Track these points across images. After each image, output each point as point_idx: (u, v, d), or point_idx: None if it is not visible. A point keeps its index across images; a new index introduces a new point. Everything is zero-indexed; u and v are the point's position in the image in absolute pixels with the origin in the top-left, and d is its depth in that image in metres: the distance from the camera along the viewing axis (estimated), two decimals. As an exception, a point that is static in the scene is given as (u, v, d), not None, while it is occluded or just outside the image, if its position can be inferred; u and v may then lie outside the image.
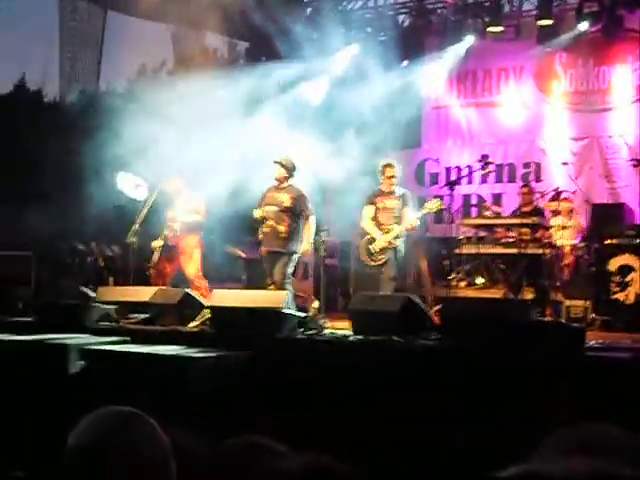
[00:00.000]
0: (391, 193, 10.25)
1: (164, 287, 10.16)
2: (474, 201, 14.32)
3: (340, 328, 8.64)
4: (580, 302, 10.48)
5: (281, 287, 9.68)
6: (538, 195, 11.80)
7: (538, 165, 14.22)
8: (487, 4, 14.32)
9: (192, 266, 10.80)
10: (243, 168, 11.25)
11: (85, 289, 10.24)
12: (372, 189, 10.49)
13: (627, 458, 1.53)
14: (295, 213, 9.97)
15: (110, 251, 13.84)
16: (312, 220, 9.98)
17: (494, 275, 11.94)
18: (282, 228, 9.90)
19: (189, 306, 9.07)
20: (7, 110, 18.42)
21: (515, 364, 6.43)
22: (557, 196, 11.62)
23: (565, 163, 12.30)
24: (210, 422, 5.57)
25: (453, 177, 14.15)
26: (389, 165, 10.32)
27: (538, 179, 13.86)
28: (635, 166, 12.56)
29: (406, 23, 15.58)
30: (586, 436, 1.66)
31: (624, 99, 13.55)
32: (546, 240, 10.97)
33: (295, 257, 10.00)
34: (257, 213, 10.12)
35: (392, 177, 10.25)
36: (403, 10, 15.61)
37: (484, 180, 14.38)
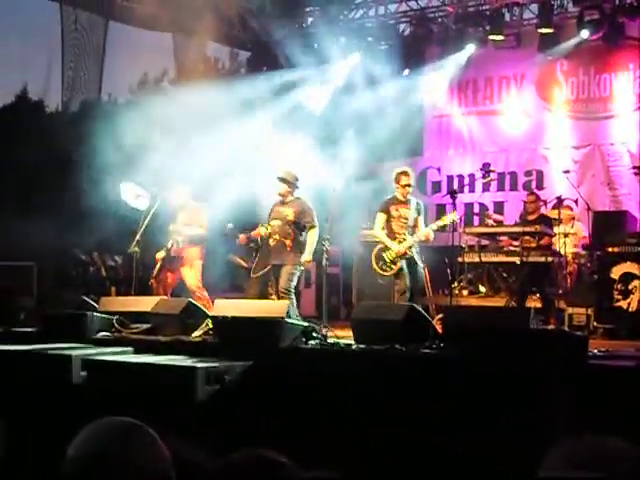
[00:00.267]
0: (406, 202, 10.12)
1: (166, 297, 10.16)
2: (476, 209, 14.31)
3: (342, 337, 8.63)
4: (582, 310, 10.47)
5: (285, 296, 9.68)
6: (541, 203, 11.79)
7: (540, 173, 14.23)
8: (488, 13, 14.34)
9: (193, 277, 10.83)
10: (245, 177, 11.26)
11: (87, 299, 10.22)
12: (386, 197, 10.28)
13: (630, 470, 1.53)
14: (299, 226, 10.00)
15: (112, 261, 13.84)
16: (315, 231, 9.98)
17: (496, 283, 11.96)
18: (288, 242, 9.94)
19: (191, 316, 9.04)
20: (9, 120, 18.44)
21: (517, 372, 6.41)
22: (559, 204, 11.61)
23: (567, 171, 12.28)
24: (213, 433, 5.56)
25: (455, 186, 14.16)
26: (404, 173, 10.18)
27: (540, 187, 13.86)
28: (637, 174, 12.57)
29: (407, 32, 15.60)
30: (589, 448, 1.66)
31: (626, 106, 13.56)
32: (551, 248, 10.95)
33: (300, 268, 10.01)
34: (262, 230, 10.15)
35: (407, 185, 10.10)
36: (404, 19, 15.63)
37: (486, 188, 14.38)
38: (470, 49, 14.47)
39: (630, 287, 10.21)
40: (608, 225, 11.78)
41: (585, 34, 13.46)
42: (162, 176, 10.84)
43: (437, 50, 14.92)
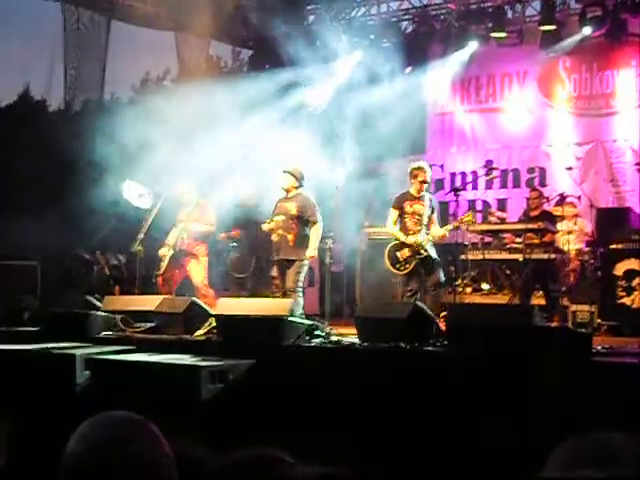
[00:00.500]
0: (420, 198, 9.97)
1: (170, 296, 10.17)
2: (479, 207, 14.29)
3: (346, 335, 8.63)
4: (586, 307, 10.45)
5: (292, 294, 9.68)
6: (544, 200, 11.78)
7: (543, 170, 14.21)
8: (490, 10, 14.32)
9: (199, 273, 10.85)
10: (247, 175, 11.28)
11: (91, 298, 10.23)
12: (399, 192, 10.17)
13: (637, 466, 1.53)
14: (302, 221, 9.98)
15: (116, 260, 13.84)
16: (319, 227, 9.97)
17: (500, 281, 11.95)
18: (290, 237, 9.93)
19: (195, 315, 9.05)
20: (12, 119, 18.46)
21: (521, 370, 6.41)
22: (562, 201, 11.60)
23: (570, 168, 12.27)
24: (216, 431, 5.57)
25: (458, 183, 14.15)
26: (420, 168, 10.04)
27: (543, 184, 13.83)
28: (640, 170, 12.55)
29: (409, 30, 15.58)
30: (593, 446, 1.65)
31: (628, 103, 13.53)
32: (554, 245, 10.95)
33: (306, 263, 10.00)
34: (265, 226, 10.14)
35: (424, 182, 9.95)
36: (406, 17, 15.61)
37: (489, 186, 14.38)
38: (472, 46, 14.44)
39: (633, 284, 10.20)
40: (611, 222, 11.77)
41: (587, 31, 13.43)
42: (164, 175, 10.85)
43: (439, 48, 14.89)
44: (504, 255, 11.45)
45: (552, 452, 1.70)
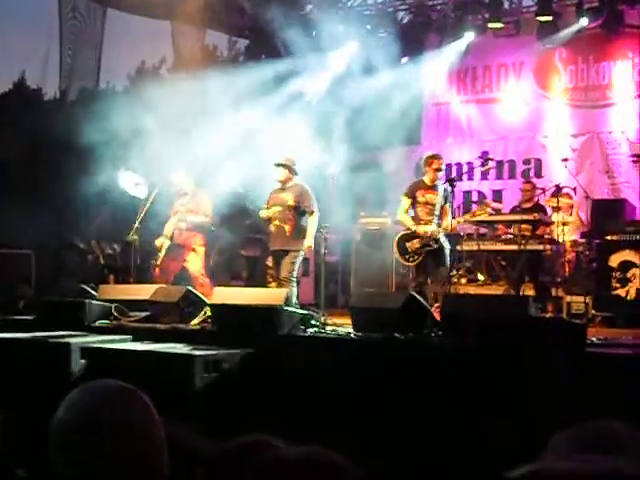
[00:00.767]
0: (433, 187, 9.83)
1: (165, 285, 10.16)
2: (475, 198, 14.31)
3: (341, 325, 8.64)
4: (581, 298, 10.46)
5: (287, 284, 9.69)
6: (539, 191, 11.78)
7: (538, 161, 14.21)
8: (487, 0, 14.30)
9: (197, 263, 10.85)
10: (245, 164, 11.27)
11: (86, 287, 10.22)
12: (413, 180, 10.11)
13: (631, 454, 1.53)
14: (299, 211, 9.99)
15: (111, 249, 13.83)
16: (315, 217, 9.98)
17: (495, 271, 11.95)
18: (287, 227, 9.94)
19: (190, 304, 9.05)
20: (7, 108, 18.40)
21: (516, 361, 6.42)
22: (557, 192, 11.61)
23: (565, 159, 12.27)
24: (210, 420, 5.57)
25: (453, 174, 14.14)
26: (435, 157, 9.95)
27: (538, 175, 13.85)
28: (636, 162, 12.56)
29: (405, 20, 15.57)
30: (591, 433, 1.65)
31: (624, 95, 13.53)
32: (547, 236, 10.98)
33: (302, 253, 10.01)
34: (263, 214, 10.16)
35: (438, 169, 9.80)
36: (402, 7, 15.60)
37: (484, 177, 14.39)
38: (469, 37, 14.44)
39: (628, 275, 10.21)
40: (607, 213, 11.77)
41: (584, 22, 13.43)
42: (160, 164, 10.83)
43: (436, 38, 14.88)
44: (499, 246, 11.45)
45: (550, 440, 1.70)
